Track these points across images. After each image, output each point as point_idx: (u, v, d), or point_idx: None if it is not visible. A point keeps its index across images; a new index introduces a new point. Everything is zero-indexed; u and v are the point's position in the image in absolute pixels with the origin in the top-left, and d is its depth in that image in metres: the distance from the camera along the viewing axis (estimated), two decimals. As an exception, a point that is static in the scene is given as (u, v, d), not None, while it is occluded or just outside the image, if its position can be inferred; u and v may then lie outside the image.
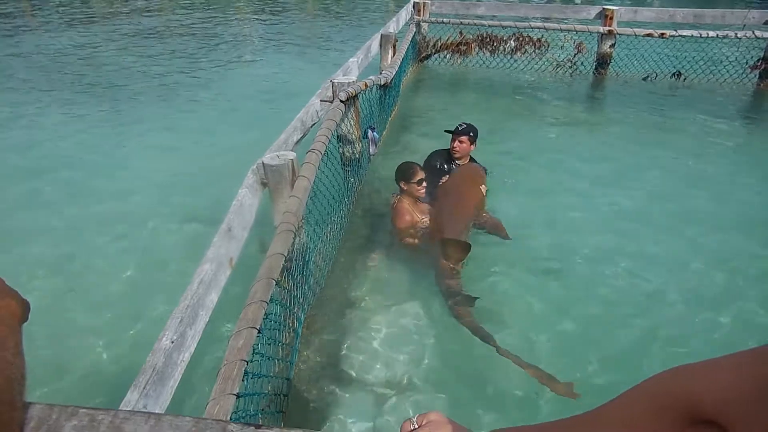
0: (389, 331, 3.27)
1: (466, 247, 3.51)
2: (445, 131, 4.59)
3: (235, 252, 2.53)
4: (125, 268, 4.02)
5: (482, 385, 2.90)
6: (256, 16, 14.67)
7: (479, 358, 3.03)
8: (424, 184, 3.88)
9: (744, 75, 8.37)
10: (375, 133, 4.87)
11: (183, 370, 1.92)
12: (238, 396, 1.64)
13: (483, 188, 4.24)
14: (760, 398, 0.40)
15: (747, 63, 8.33)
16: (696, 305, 3.53)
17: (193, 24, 13.42)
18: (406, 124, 6.79)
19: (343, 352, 3.11)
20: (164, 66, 9.57)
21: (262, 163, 2.91)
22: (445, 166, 4.53)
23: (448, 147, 4.55)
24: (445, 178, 4.31)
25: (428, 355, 3.11)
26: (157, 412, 1.30)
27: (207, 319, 2.15)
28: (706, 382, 0.48)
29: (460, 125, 4.46)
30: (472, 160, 4.62)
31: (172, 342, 1.83)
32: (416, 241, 3.89)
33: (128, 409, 1.54)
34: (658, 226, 4.48)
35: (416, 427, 0.74)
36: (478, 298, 3.29)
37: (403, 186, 3.89)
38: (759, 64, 8.26)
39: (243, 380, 1.82)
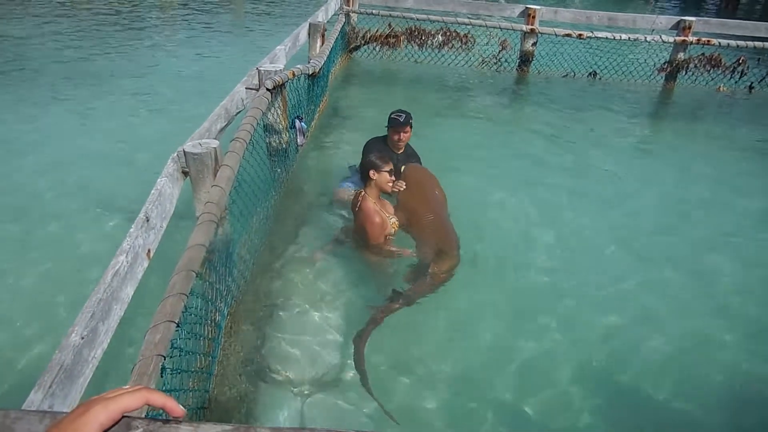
0: (315, 328, 3.25)
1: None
2: (388, 124, 4.29)
3: (153, 243, 2.42)
4: (36, 262, 3.76)
5: (403, 386, 2.91)
6: (183, 1, 14.03)
7: (405, 360, 3.07)
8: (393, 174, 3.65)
9: (652, 76, 8.96)
10: (303, 124, 4.80)
11: (95, 368, 1.82)
12: (154, 392, 1.57)
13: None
14: None
15: (655, 65, 8.91)
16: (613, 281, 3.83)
17: (117, 8, 12.66)
18: (336, 116, 6.74)
19: (268, 346, 3.06)
20: (85, 50, 8.97)
21: (183, 151, 2.80)
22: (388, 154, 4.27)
23: (383, 135, 4.40)
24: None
25: (352, 353, 3.08)
26: (61, 411, 1.22)
27: (122, 314, 2.05)
28: None
29: (400, 116, 4.21)
30: (408, 146, 4.44)
31: (83, 338, 1.73)
32: (389, 247, 3.64)
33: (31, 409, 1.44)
34: (570, 213, 4.79)
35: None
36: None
37: (372, 175, 3.59)
38: (665, 66, 8.86)
39: (161, 376, 1.75)
